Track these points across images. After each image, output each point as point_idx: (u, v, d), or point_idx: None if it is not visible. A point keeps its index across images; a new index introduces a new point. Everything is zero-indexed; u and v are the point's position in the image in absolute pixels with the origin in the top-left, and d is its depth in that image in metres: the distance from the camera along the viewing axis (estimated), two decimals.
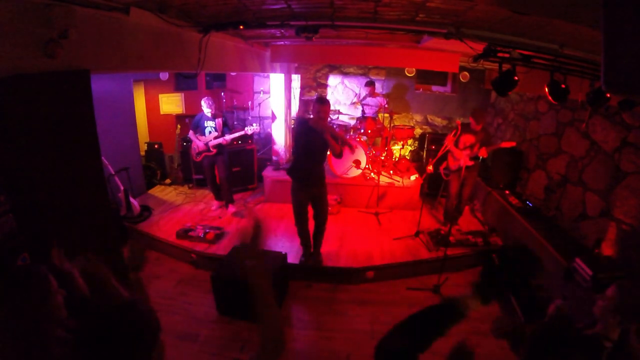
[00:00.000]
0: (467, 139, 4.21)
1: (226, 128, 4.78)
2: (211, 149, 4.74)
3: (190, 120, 6.74)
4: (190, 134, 4.83)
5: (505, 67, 2.65)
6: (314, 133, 3.38)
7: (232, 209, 5.08)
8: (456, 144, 4.31)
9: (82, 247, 2.04)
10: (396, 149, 6.50)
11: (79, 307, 1.29)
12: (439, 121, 6.92)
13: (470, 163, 4.19)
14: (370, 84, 5.95)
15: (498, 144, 4.22)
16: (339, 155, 3.57)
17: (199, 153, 4.81)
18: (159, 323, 1.01)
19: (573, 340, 1.39)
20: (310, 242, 3.90)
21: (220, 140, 4.69)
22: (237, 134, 4.77)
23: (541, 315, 1.66)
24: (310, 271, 3.88)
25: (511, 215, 4.30)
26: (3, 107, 1.59)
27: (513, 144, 4.18)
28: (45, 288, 1.20)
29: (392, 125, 6.06)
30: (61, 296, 1.25)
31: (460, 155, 4.24)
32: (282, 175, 5.55)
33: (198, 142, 4.75)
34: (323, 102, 3.37)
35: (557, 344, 1.39)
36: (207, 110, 4.70)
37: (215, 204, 5.20)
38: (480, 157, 4.11)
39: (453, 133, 4.27)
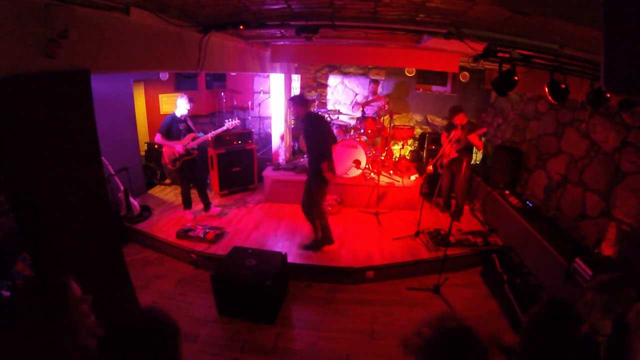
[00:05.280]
0: (455, 134, 4.54)
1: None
2: (191, 152, 4.51)
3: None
4: (159, 138, 4.37)
5: (505, 67, 2.66)
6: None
7: (215, 209, 5.01)
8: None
9: (82, 247, 2.06)
10: (396, 149, 6.51)
11: None
12: (439, 121, 6.91)
13: (455, 155, 4.68)
14: (374, 82, 6.14)
15: (476, 131, 4.48)
16: None
17: (177, 159, 4.45)
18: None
19: (571, 340, 1.38)
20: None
21: (204, 137, 4.56)
22: (220, 130, 4.77)
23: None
24: (310, 271, 3.89)
25: (511, 215, 4.30)
26: (3, 107, 1.59)
27: (484, 129, 4.65)
28: (65, 298, 1.13)
29: (392, 125, 6.06)
30: (87, 304, 1.19)
31: (449, 150, 4.70)
32: (282, 175, 5.56)
33: (177, 147, 4.39)
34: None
35: (556, 336, 1.37)
36: (182, 111, 4.38)
37: (190, 213, 4.87)
38: (474, 148, 4.56)
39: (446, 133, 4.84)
